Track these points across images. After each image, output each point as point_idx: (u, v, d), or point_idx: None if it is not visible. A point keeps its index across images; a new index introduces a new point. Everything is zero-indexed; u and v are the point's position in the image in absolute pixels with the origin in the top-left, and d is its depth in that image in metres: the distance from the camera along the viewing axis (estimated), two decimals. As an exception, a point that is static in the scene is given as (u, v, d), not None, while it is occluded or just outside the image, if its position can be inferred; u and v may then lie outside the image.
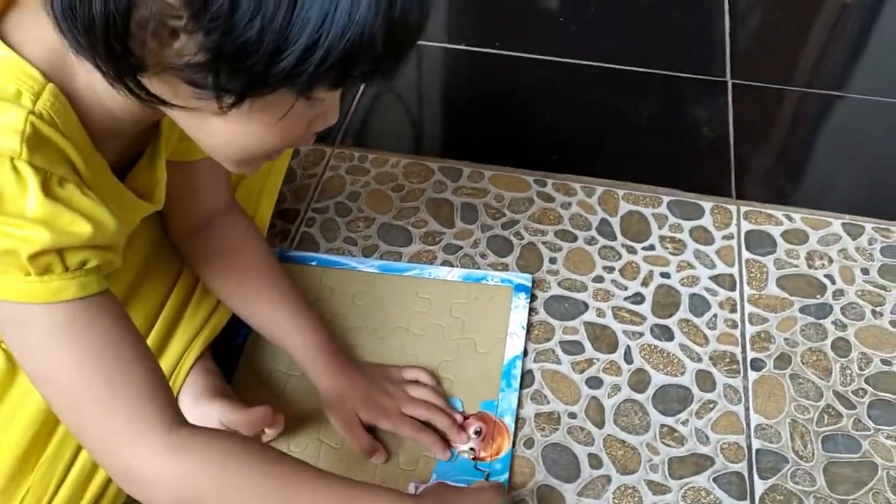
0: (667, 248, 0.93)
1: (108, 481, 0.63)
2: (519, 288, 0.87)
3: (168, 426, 0.51)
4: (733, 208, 0.98)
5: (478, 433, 0.75)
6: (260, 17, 0.40)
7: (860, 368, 0.82)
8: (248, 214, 0.79)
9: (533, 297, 0.87)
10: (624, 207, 0.98)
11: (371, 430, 0.74)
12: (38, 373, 0.50)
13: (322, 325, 0.76)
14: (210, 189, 0.73)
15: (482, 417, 0.77)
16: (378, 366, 0.78)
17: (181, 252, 0.76)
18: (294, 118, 0.48)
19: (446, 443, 0.74)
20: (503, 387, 0.79)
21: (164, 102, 0.47)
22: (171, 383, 0.70)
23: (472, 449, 0.74)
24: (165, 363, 0.70)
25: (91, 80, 0.48)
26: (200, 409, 0.70)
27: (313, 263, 0.89)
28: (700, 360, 0.83)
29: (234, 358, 0.80)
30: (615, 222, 0.96)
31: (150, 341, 0.70)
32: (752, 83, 1.17)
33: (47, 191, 0.45)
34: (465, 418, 0.76)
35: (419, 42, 0.47)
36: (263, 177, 0.84)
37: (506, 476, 0.73)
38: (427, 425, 0.74)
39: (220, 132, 0.49)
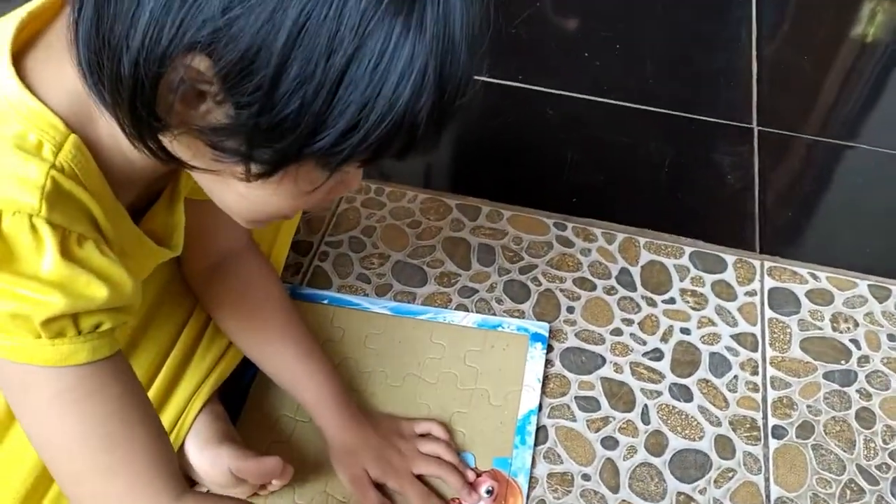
0: (688, 301, 0.91)
1: None
2: (535, 337, 0.85)
3: (173, 496, 0.49)
4: (757, 263, 0.95)
5: (489, 492, 0.72)
6: (300, 97, 0.37)
7: (884, 442, 0.79)
8: (264, 254, 0.77)
9: (549, 348, 0.85)
10: (645, 257, 0.95)
11: (379, 486, 0.71)
12: (39, 437, 0.48)
13: (336, 375, 0.73)
14: (227, 228, 0.70)
15: (495, 475, 0.74)
16: (390, 419, 0.76)
17: (196, 292, 0.74)
18: (315, 189, 0.46)
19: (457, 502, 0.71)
20: (517, 443, 0.76)
21: (184, 164, 0.44)
22: (177, 426, 0.67)
23: None
24: (173, 406, 0.68)
25: (113, 130, 0.46)
26: (209, 453, 0.67)
27: (325, 302, 0.87)
28: (720, 424, 0.80)
29: (241, 398, 0.78)
30: (636, 272, 0.94)
31: (158, 382, 0.68)
32: (779, 131, 1.15)
33: (65, 251, 0.43)
34: (478, 475, 0.74)
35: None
36: None
37: None
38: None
39: (242, 196, 0.47)
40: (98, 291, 0.45)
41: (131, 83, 0.38)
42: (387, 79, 0.38)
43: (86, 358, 0.46)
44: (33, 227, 0.42)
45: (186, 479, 0.68)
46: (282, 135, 0.39)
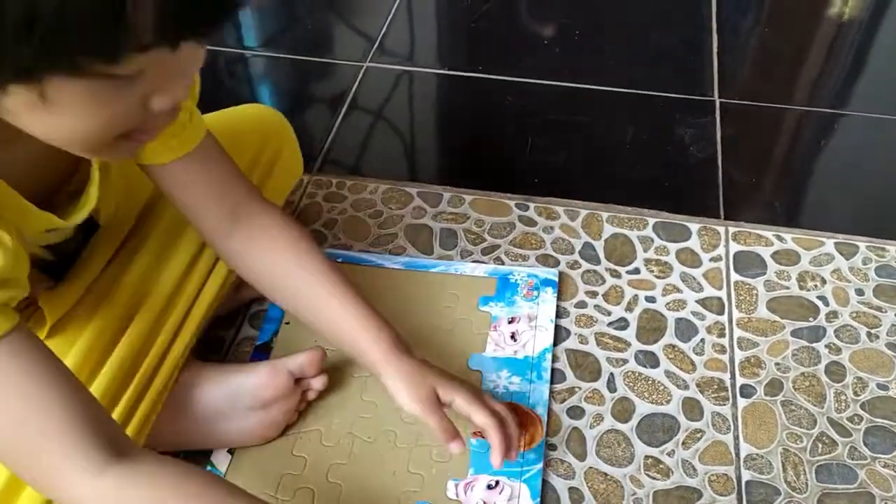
0: (652, 271, 0.90)
1: None
2: (545, 282, 0.87)
3: (100, 468, 0.49)
4: (721, 229, 0.95)
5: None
6: None
7: (855, 394, 0.78)
8: (276, 205, 0.74)
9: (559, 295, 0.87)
10: (608, 230, 0.95)
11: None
12: None
13: (381, 316, 0.70)
14: (222, 183, 0.69)
15: (514, 408, 0.74)
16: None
17: (222, 256, 0.72)
18: (106, 101, 0.43)
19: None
20: (534, 378, 0.78)
21: None
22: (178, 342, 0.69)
23: None
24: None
25: None
26: (264, 370, 0.71)
27: (339, 260, 0.89)
28: (687, 387, 0.79)
29: (264, 359, 0.79)
30: (599, 246, 0.93)
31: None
32: (739, 102, 1.15)
33: None
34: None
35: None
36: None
37: (540, 466, 0.71)
38: None
39: (33, 128, 0.44)
40: None
41: None
42: None
43: None
44: None
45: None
46: None
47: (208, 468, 0.72)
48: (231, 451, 0.73)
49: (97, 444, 0.49)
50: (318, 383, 0.74)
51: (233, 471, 0.72)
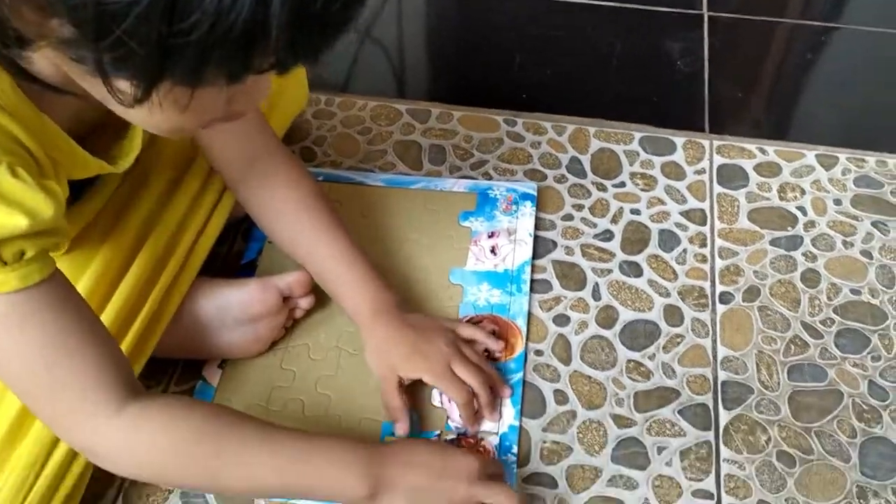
0: (637, 184, 0.92)
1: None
2: (524, 196, 0.89)
3: (116, 408, 0.52)
4: (706, 143, 0.96)
5: (493, 333, 0.76)
6: (134, 13, 0.35)
7: (829, 298, 0.82)
8: (294, 156, 0.76)
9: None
10: (595, 145, 0.96)
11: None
12: None
13: (375, 277, 0.73)
14: (244, 134, 0.71)
15: (495, 320, 0.78)
16: (433, 319, 0.75)
17: (239, 199, 0.75)
18: (203, 103, 0.44)
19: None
20: (514, 291, 0.81)
21: (48, 86, 0.45)
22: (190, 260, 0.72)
23: (486, 350, 0.75)
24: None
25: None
26: (255, 284, 0.73)
27: (320, 178, 0.90)
28: (668, 295, 0.82)
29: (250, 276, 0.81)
30: (585, 160, 0.95)
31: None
32: (729, 15, 1.15)
33: None
34: (479, 321, 0.77)
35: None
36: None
37: (521, 375, 0.75)
38: None
39: (132, 117, 0.46)
40: (16, 220, 0.45)
41: None
42: None
43: (14, 286, 0.47)
44: None
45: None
46: (128, 54, 0.38)
47: (200, 383, 0.75)
48: (221, 367, 0.75)
49: (116, 385, 0.52)
50: (305, 303, 0.76)
51: (224, 385, 0.74)
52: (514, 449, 0.70)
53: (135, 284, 0.67)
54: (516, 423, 0.72)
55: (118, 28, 0.36)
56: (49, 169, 0.52)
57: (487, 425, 0.71)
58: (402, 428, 0.70)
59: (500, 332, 0.77)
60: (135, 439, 0.54)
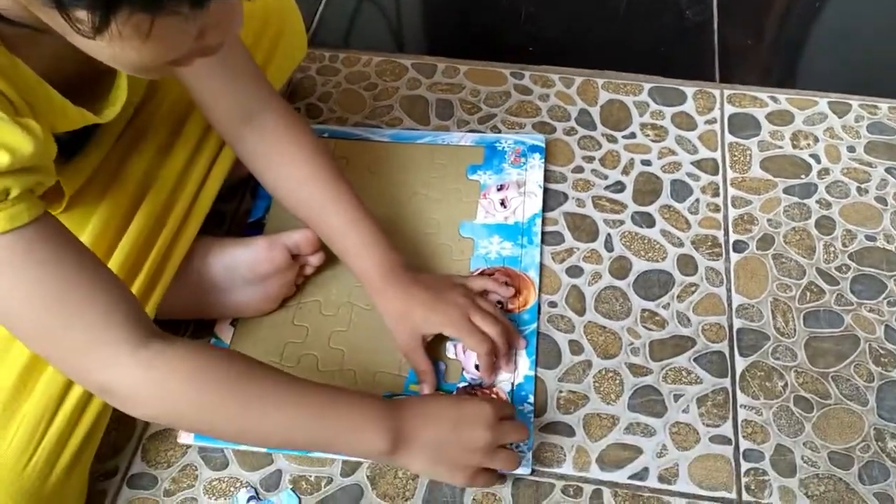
0: (648, 135, 0.91)
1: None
2: (533, 149, 0.88)
3: (134, 344, 0.51)
4: (717, 92, 0.95)
5: (507, 284, 0.76)
6: None
7: (844, 245, 0.81)
8: (298, 115, 0.74)
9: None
10: (604, 96, 0.95)
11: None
12: None
13: (381, 239, 0.71)
14: (238, 83, 0.69)
15: (507, 272, 0.78)
16: (443, 277, 0.75)
17: (235, 151, 0.73)
18: (168, 34, 0.43)
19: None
20: (525, 243, 0.80)
21: (14, 24, 0.43)
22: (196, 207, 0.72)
23: (499, 302, 0.75)
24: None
25: None
26: (262, 241, 0.73)
27: (325, 135, 0.89)
28: (682, 244, 0.81)
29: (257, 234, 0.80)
30: (595, 112, 0.93)
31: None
32: (737, -37, 1.12)
33: None
34: (491, 273, 0.77)
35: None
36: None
37: (535, 326, 0.74)
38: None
39: (96, 52, 0.45)
40: None
41: None
42: None
43: (3, 227, 0.46)
44: None
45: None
46: None
47: (212, 341, 0.74)
48: (233, 324, 0.75)
49: (135, 321, 0.51)
50: (315, 259, 0.75)
51: (236, 342, 0.74)
52: (531, 398, 0.70)
53: (135, 241, 0.66)
54: (531, 374, 0.71)
55: None
56: (26, 112, 0.50)
57: (503, 375, 0.71)
58: (428, 387, 0.69)
59: (513, 283, 0.77)
60: (157, 377, 0.53)
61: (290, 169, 0.72)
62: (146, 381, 0.52)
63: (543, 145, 0.88)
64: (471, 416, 0.60)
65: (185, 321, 0.75)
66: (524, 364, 0.72)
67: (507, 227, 0.81)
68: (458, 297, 0.70)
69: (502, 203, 0.83)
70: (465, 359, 0.72)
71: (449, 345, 0.73)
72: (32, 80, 0.51)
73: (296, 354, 0.74)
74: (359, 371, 0.72)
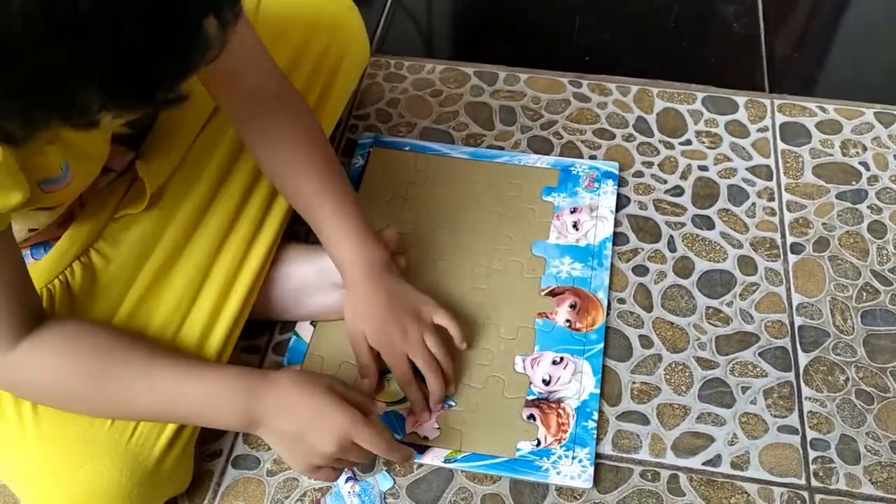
0: (703, 142, 0.95)
1: None
2: (606, 174, 0.91)
3: (6, 346, 0.57)
4: (767, 102, 0.99)
5: (573, 307, 0.79)
6: None
7: (895, 248, 0.85)
8: (304, 104, 0.75)
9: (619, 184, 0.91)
10: (659, 105, 0.99)
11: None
12: None
13: (371, 240, 0.71)
14: (248, 70, 0.69)
15: (576, 292, 0.81)
16: (415, 296, 0.72)
17: (243, 140, 0.73)
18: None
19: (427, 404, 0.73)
20: (595, 266, 0.83)
21: None
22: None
23: (567, 320, 0.78)
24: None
25: None
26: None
27: (406, 149, 0.93)
28: (741, 246, 0.86)
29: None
30: (651, 119, 0.98)
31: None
32: (780, -22, 1.17)
33: None
34: (561, 293, 0.80)
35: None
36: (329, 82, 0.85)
37: (601, 346, 0.77)
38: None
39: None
40: None
41: None
42: None
43: None
44: None
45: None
46: None
47: (293, 338, 0.78)
48: (313, 324, 0.79)
49: (14, 324, 0.57)
50: (399, 263, 0.74)
51: (316, 341, 0.78)
52: (595, 415, 0.72)
53: (209, 243, 0.71)
54: (597, 392, 0.74)
55: None
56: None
57: (569, 391, 0.74)
58: (368, 384, 0.72)
59: (582, 305, 0.79)
60: (22, 378, 0.59)
61: (286, 160, 0.71)
62: (13, 383, 0.60)
63: (617, 172, 0.91)
64: (323, 424, 0.61)
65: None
66: (590, 382, 0.74)
67: (578, 249, 0.84)
68: (411, 327, 0.70)
69: (575, 225, 0.86)
70: (533, 373, 0.75)
71: (517, 359, 0.76)
72: None
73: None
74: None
